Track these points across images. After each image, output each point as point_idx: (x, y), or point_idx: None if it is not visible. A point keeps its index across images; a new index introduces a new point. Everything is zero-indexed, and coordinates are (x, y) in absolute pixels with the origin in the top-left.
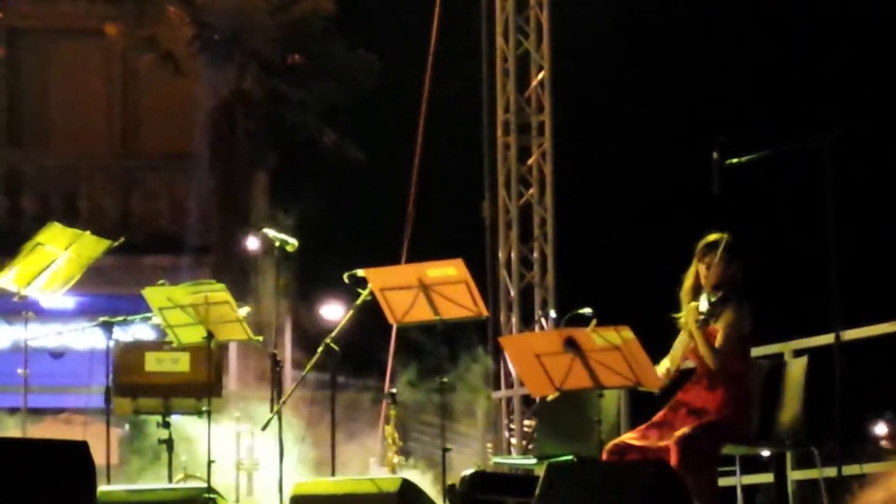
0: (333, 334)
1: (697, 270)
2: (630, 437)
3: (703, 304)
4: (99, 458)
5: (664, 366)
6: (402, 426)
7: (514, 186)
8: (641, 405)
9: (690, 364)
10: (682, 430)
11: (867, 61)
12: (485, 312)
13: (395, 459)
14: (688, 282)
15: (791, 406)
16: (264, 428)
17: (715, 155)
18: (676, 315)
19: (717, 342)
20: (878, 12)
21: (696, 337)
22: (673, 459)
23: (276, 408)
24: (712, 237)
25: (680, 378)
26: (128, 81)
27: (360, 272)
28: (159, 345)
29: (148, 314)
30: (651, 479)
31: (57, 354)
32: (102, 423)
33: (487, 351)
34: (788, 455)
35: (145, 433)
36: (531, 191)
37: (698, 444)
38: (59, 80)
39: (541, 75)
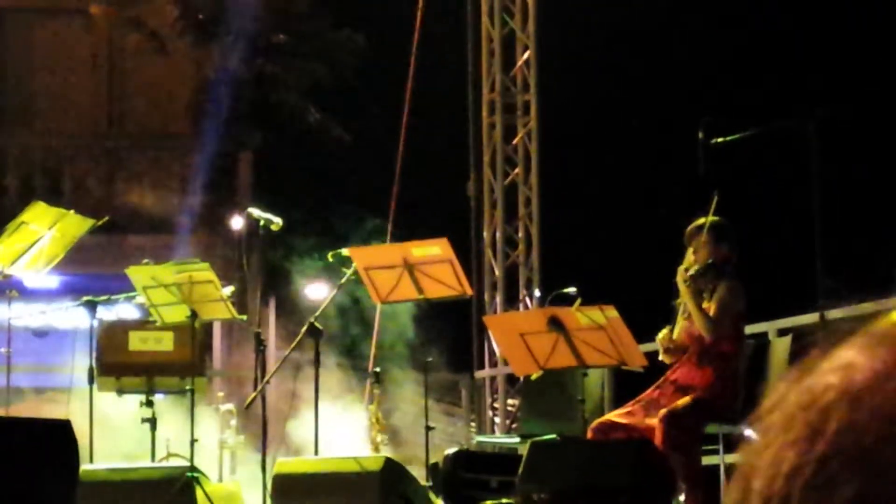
0: (317, 313)
1: (689, 257)
2: (616, 415)
3: (693, 268)
4: (82, 437)
5: (665, 330)
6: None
7: (499, 166)
8: (625, 384)
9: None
10: (668, 408)
11: (854, 40)
12: (469, 291)
13: (379, 438)
14: (681, 269)
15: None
16: (247, 407)
17: (700, 135)
18: (676, 302)
19: (712, 310)
20: None
21: (686, 299)
22: (658, 436)
23: (259, 387)
24: (700, 220)
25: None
26: (113, 61)
27: (345, 251)
28: (143, 324)
29: (132, 293)
30: (634, 457)
31: (40, 333)
32: (85, 402)
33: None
34: None
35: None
36: (516, 170)
37: (684, 422)
38: (43, 59)
39: (526, 55)
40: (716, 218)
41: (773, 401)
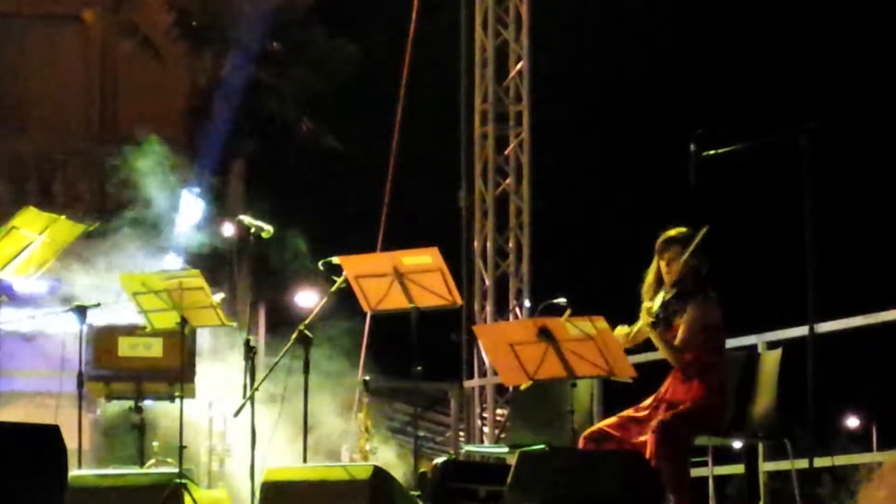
0: (307, 321)
1: (658, 266)
2: (609, 424)
3: (657, 302)
4: (71, 442)
5: (623, 330)
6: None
7: (490, 176)
8: (614, 395)
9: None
10: (660, 418)
11: (845, 53)
12: (459, 301)
13: (368, 447)
14: (649, 278)
15: (764, 398)
16: (236, 414)
17: (692, 147)
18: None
19: (678, 338)
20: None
21: (652, 338)
22: (649, 447)
23: (248, 394)
24: (671, 232)
25: (660, 371)
26: (105, 67)
27: (336, 259)
28: (132, 330)
29: (122, 299)
30: (623, 468)
31: (30, 338)
32: (74, 407)
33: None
34: (760, 446)
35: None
36: (508, 180)
37: (674, 433)
38: (36, 65)
39: (519, 65)
40: (684, 229)
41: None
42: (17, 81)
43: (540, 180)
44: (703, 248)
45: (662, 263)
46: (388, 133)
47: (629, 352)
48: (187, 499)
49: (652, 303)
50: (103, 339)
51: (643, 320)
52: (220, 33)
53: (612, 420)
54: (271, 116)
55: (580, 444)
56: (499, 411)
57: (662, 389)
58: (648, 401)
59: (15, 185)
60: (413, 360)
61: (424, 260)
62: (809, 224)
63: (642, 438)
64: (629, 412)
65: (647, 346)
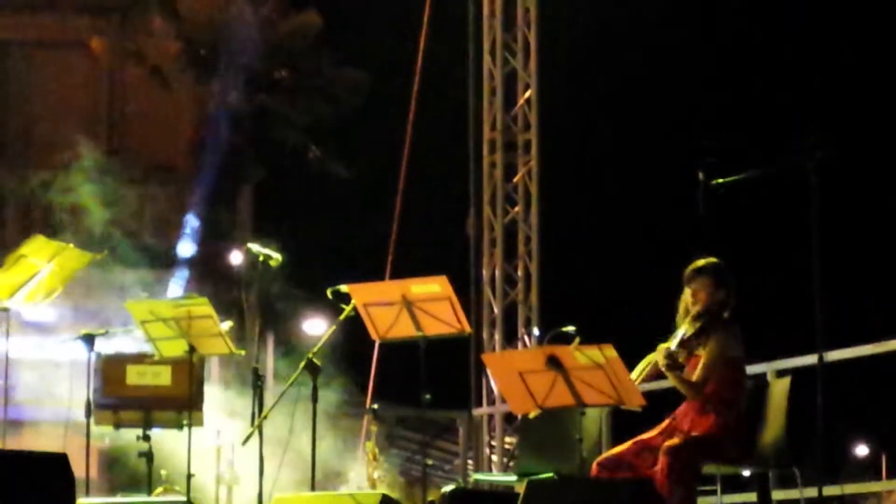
0: (315, 349)
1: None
2: (624, 451)
3: (675, 342)
4: (78, 470)
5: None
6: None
7: (499, 204)
8: (623, 424)
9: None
10: (673, 441)
11: (853, 80)
12: (468, 329)
13: (376, 475)
14: (682, 306)
15: (773, 426)
16: (245, 442)
17: (701, 175)
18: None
19: (696, 373)
20: (864, 31)
21: (669, 377)
22: (660, 469)
23: (257, 422)
24: (700, 263)
25: (670, 399)
26: (113, 95)
27: (344, 287)
28: (141, 358)
29: (130, 328)
30: (630, 496)
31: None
32: (82, 435)
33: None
34: (770, 474)
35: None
36: (516, 208)
37: (685, 456)
38: (43, 92)
39: (528, 93)
40: (715, 260)
41: None
42: (24, 108)
43: (548, 208)
44: (731, 279)
45: (688, 293)
46: (397, 161)
47: None
48: None
49: (669, 343)
50: (111, 368)
51: (660, 362)
52: (227, 61)
53: (626, 446)
54: (279, 144)
55: (594, 470)
56: (507, 439)
57: (679, 417)
58: (664, 425)
59: (21, 213)
60: (422, 389)
61: (433, 288)
62: (817, 251)
63: (657, 469)
64: (644, 437)
65: (657, 373)
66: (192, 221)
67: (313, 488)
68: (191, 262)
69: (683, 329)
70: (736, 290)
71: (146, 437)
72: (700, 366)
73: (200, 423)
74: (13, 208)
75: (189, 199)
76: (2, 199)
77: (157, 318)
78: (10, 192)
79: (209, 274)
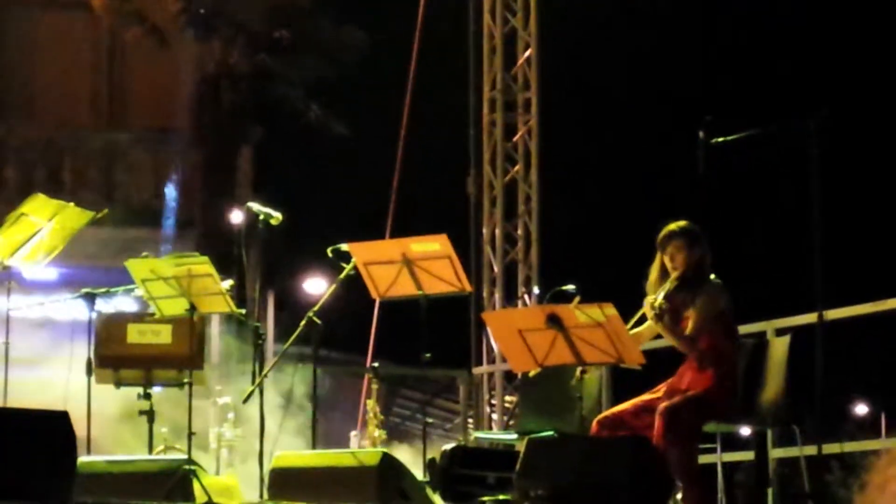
0: (316, 308)
1: (662, 261)
2: (624, 410)
3: (660, 295)
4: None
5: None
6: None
7: (499, 163)
8: (623, 382)
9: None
10: (669, 402)
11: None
12: (468, 288)
13: (376, 433)
14: (653, 274)
15: (773, 385)
16: (245, 401)
17: (701, 134)
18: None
19: (690, 327)
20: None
21: (660, 330)
22: (657, 430)
23: (257, 380)
24: (671, 226)
25: (669, 358)
26: (113, 54)
27: (344, 246)
28: (141, 316)
29: (131, 286)
30: (632, 454)
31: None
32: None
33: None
34: (769, 433)
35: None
36: (516, 167)
37: (683, 417)
38: (44, 52)
39: (528, 53)
40: (685, 222)
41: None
42: (25, 68)
43: (548, 167)
44: (703, 239)
45: (666, 258)
46: (397, 120)
47: None
48: (196, 485)
49: (654, 297)
50: (112, 326)
51: (648, 315)
52: (227, 20)
53: (627, 405)
54: (279, 103)
55: (594, 428)
56: (508, 398)
57: (677, 378)
58: (663, 386)
59: (23, 172)
60: (422, 348)
61: (433, 247)
62: (817, 211)
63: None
64: (645, 397)
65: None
66: (170, 192)
67: (314, 446)
68: (187, 223)
69: (665, 286)
70: (709, 247)
71: (147, 396)
72: (693, 320)
73: (202, 381)
74: (14, 167)
75: (188, 159)
76: (3, 158)
77: (158, 276)
78: (12, 151)
79: (210, 233)
